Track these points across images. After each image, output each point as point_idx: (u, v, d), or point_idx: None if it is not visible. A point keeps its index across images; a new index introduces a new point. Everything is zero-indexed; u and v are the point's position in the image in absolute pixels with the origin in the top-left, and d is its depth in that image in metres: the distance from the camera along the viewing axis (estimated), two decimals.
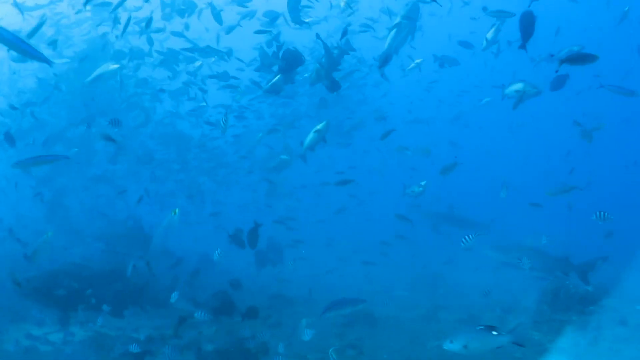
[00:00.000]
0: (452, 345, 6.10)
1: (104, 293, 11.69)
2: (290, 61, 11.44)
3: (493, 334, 6.07)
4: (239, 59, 15.22)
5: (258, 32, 13.33)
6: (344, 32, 11.28)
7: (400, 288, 15.97)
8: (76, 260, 13.26)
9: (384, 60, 10.79)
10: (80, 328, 11.02)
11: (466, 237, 8.50)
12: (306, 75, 12.17)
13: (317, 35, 11.87)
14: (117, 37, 15.04)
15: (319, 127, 10.33)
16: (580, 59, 7.83)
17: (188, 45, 15.21)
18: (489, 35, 11.79)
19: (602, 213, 8.64)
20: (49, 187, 17.57)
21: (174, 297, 9.64)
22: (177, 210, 6.52)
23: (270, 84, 12.11)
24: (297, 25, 13.72)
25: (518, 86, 10.05)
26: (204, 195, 20.75)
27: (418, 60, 13.44)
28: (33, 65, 17.79)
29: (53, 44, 14.20)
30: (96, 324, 10.82)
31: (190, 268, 14.79)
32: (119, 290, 11.95)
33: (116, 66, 13.72)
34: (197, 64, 15.76)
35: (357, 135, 20.46)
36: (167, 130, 18.76)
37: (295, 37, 14.75)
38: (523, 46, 9.18)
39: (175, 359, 8.85)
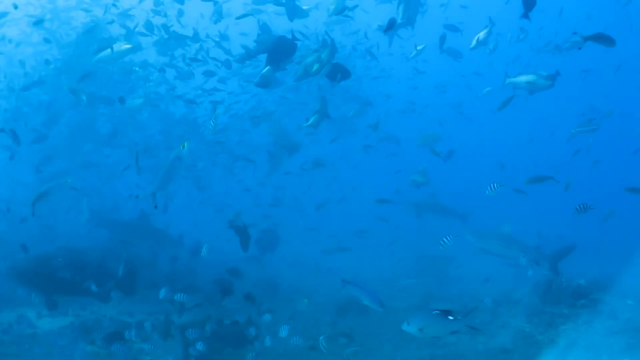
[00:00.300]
0: (409, 328, 6.20)
1: (100, 277, 11.62)
2: (282, 50, 10.90)
3: (448, 319, 6.11)
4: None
5: (240, 17, 13.09)
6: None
7: (388, 276, 15.98)
8: (72, 245, 13.21)
9: (390, 25, 10.46)
10: (72, 312, 11.02)
11: (444, 238, 8.35)
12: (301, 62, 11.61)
13: (326, 33, 11.36)
14: (110, 22, 14.93)
15: (317, 107, 10.20)
16: (602, 39, 7.90)
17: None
18: (481, 36, 11.68)
19: (582, 205, 8.47)
20: (48, 169, 17.51)
21: (162, 293, 9.55)
22: (186, 144, 6.32)
23: (259, 76, 11.76)
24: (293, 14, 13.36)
25: (530, 77, 9.77)
26: (199, 180, 20.63)
27: (420, 47, 13.37)
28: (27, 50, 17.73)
29: (39, 23, 14.05)
30: (85, 309, 10.88)
31: (188, 254, 14.76)
32: (115, 275, 11.88)
33: (128, 46, 13.55)
34: (196, 46, 15.65)
35: (358, 123, 20.31)
36: (164, 113, 18.60)
37: (281, 23, 14.35)
38: (526, 15, 9.08)
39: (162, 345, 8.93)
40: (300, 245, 18.78)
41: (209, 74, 15.08)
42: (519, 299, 12.56)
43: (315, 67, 10.39)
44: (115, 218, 16.48)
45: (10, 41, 16.35)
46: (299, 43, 11.41)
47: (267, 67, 11.18)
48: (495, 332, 10.47)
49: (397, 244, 18.95)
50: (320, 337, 8.59)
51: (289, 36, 11.21)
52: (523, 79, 9.74)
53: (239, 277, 11.83)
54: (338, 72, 10.65)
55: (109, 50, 13.32)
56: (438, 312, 6.22)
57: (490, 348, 9.60)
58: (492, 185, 8.59)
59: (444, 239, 8.22)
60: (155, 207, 6.45)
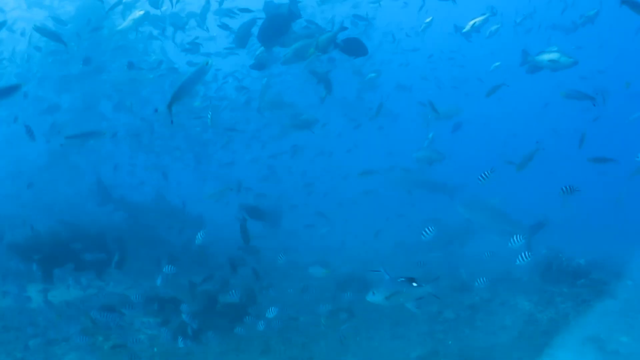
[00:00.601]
0: (375, 297, 6.28)
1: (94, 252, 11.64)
2: (275, 27, 10.26)
3: (412, 286, 6.18)
4: None
5: None
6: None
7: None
8: (73, 220, 13.24)
9: None
10: (72, 286, 11.01)
11: (427, 229, 8.16)
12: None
13: (341, 24, 10.92)
14: None
15: (316, 79, 10.06)
16: (635, 6, 7.79)
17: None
18: (477, 22, 11.53)
19: (568, 187, 8.25)
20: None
21: (159, 281, 9.52)
22: (209, 61, 6.18)
23: (254, 58, 11.39)
24: None
25: (553, 56, 9.53)
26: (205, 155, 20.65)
27: (428, 20, 13.29)
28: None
29: None
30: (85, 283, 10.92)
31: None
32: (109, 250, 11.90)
33: (141, 12, 13.46)
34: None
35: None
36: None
37: None
38: None
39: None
40: (295, 222, 18.76)
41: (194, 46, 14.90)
42: (519, 277, 12.60)
43: (311, 51, 10.02)
44: (131, 199, 16.47)
45: (2, 10, 16.25)
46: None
47: (261, 49, 10.85)
48: (495, 310, 10.52)
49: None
50: (321, 310, 8.64)
51: (285, 13, 10.46)
52: (545, 57, 9.51)
53: (253, 254, 11.86)
54: (355, 48, 10.18)
55: (130, 19, 13.33)
56: (403, 279, 6.29)
57: (488, 325, 9.64)
58: (484, 173, 8.33)
59: (426, 230, 8.04)
60: (172, 122, 6.28)
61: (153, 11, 15.04)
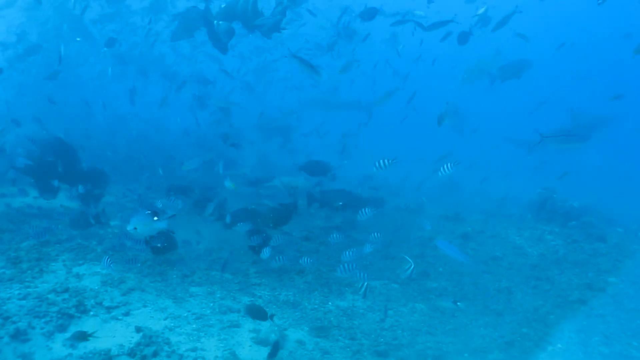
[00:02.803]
0: (129, 226, 6.58)
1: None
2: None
3: (154, 219, 6.67)
4: None
5: None
6: None
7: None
8: None
9: None
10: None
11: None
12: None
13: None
14: None
15: None
16: None
17: None
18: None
19: (384, 160, 7.46)
20: None
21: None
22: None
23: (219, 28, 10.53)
24: None
25: None
26: None
27: None
28: None
29: None
30: None
31: None
32: None
33: None
34: None
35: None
36: None
37: None
38: None
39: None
40: None
41: None
42: (512, 213, 12.67)
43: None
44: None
45: None
46: None
47: (220, 22, 10.33)
48: (486, 241, 10.60)
49: None
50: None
51: None
52: None
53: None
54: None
55: None
56: (148, 212, 6.69)
57: (479, 254, 9.73)
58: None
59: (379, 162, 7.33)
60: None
61: None
